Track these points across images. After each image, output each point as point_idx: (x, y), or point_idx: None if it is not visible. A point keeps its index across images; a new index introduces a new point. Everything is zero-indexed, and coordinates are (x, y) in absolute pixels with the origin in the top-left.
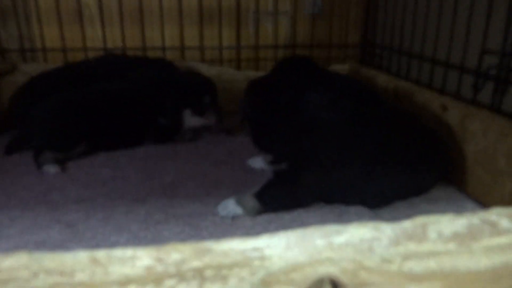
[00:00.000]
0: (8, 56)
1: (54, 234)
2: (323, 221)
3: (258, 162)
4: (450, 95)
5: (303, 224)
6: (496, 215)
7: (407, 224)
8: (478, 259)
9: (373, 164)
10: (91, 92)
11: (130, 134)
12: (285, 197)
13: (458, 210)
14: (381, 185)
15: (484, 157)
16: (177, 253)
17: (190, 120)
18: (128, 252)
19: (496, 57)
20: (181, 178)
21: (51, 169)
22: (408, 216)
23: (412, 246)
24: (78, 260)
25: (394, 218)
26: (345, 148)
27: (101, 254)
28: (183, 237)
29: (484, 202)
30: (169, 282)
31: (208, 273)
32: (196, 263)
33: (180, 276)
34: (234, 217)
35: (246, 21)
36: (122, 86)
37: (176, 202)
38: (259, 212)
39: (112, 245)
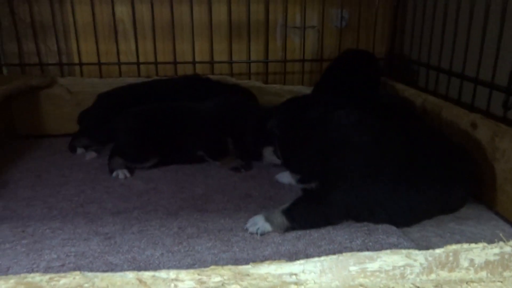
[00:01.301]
0: (47, 70)
1: (93, 246)
2: (351, 239)
3: (286, 177)
4: (479, 111)
5: (332, 242)
6: None
7: (439, 252)
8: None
9: (401, 183)
10: (170, 110)
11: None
12: (314, 215)
13: (488, 229)
14: (410, 203)
15: None
16: (218, 276)
17: (271, 158)
18: (171, 274)
19: None
20: (211, 191)
21: (121, 175)
22: (437, 235)
23: (444, 274)
24: (126, 281)
25: (422, 236)
26: (373, 167)
27: (147, 275)
28: (215, 252)
29: None
30: None
31: None
32: (235, 286)
33: None
34: (262, 234)
35: (274, 35)
36: (202, 107)
37: (207, 216)
38: (287, 229)
39: (148, 258)
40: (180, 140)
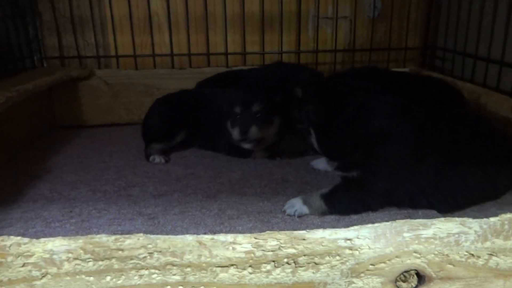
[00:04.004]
0: (84, 62)
1: (138, 225)
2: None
3: (322, 164)
4: None
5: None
6: None
7: (494, 220)
8: None
9: (444, 171)
10: (195, 93)
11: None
12: (354, 202)
13: None
14: (453, 191)
15: None
16: (274, 240)
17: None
18: (229, 237)
19: None
20: (248, 177)
21: (157, 159)
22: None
23: (499, 242)
24: (187, 243)
25: None
26: (416, 155)
27: (206, 238)
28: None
29: None
30: (266, 267)
31: (302, 260)
32: (291, 250)
33: (277, 261)
34: (299, 216)
35: (306, 26)
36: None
37: (245, 199)
38: (325, 213)
39: None
40: (211, 123)
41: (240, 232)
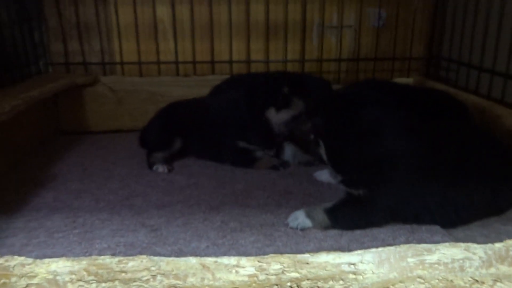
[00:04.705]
0: (89, 69)
1: (141, 237)
2: (394, 236)
3: (325, 175)
4: None
5: (374, 239)
6: None
7: (499, 246)
8: None
9: (449, 187)
10: (191, 101)
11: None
12: (357, 218)
13: None
14: (456, 206)
15: None
16: (278, 264)
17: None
18: (233, 260)
19: None
20: (251, 188)
21: (160, 168)
22: (482, 235)
23: (504, 268)
24: (190, 265)
25: (467, 236)
26: (422, 174)
27: (209, 260)
28: (259, 246)
29: None
30: None
31: (305, 284)
32: (294, 274)
33: (280, 285)
34: (302, 229)
35: (310, 35)
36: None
37: (248, 211)
38: (327, 227)
39: (194, 250)
40: (212, 130)
41: (242, 246)
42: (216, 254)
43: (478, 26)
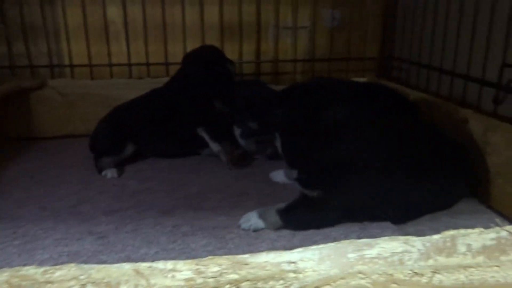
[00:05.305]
0: (37, 72)
1: (87, 245)
2: (346, 233)
3: (280, 176)
4: (470, 108)
5: (326, 237)
6: None
7: (436, 238)
8: (507, 272)
9: (398, 183)
10: (140, 99)
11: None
12: (311, 219)
13: (481, 222)
14: (406, 202)
15: (506, 169)
16: (216, 266)
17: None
18: (169, 264)
19: None
20: (206, 190)
21: (109, 173)
22: (431, 229)
23: (442, 260)
24: (123, 272)
25: (417, 231)
26: (377, 175)
27: (143, 266)
28: (210, 249)
29: (507, 214)
30: None
31: (245, 285)
32: (233, 276)
33: None
34: (255, 230)
35: (266, 36)
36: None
37: (201, 214)
38: (280, 228)
39: (142, 256)
40: (168, 122)
41: (193, 250)
42: (165, 260)
43: (426, 26)
